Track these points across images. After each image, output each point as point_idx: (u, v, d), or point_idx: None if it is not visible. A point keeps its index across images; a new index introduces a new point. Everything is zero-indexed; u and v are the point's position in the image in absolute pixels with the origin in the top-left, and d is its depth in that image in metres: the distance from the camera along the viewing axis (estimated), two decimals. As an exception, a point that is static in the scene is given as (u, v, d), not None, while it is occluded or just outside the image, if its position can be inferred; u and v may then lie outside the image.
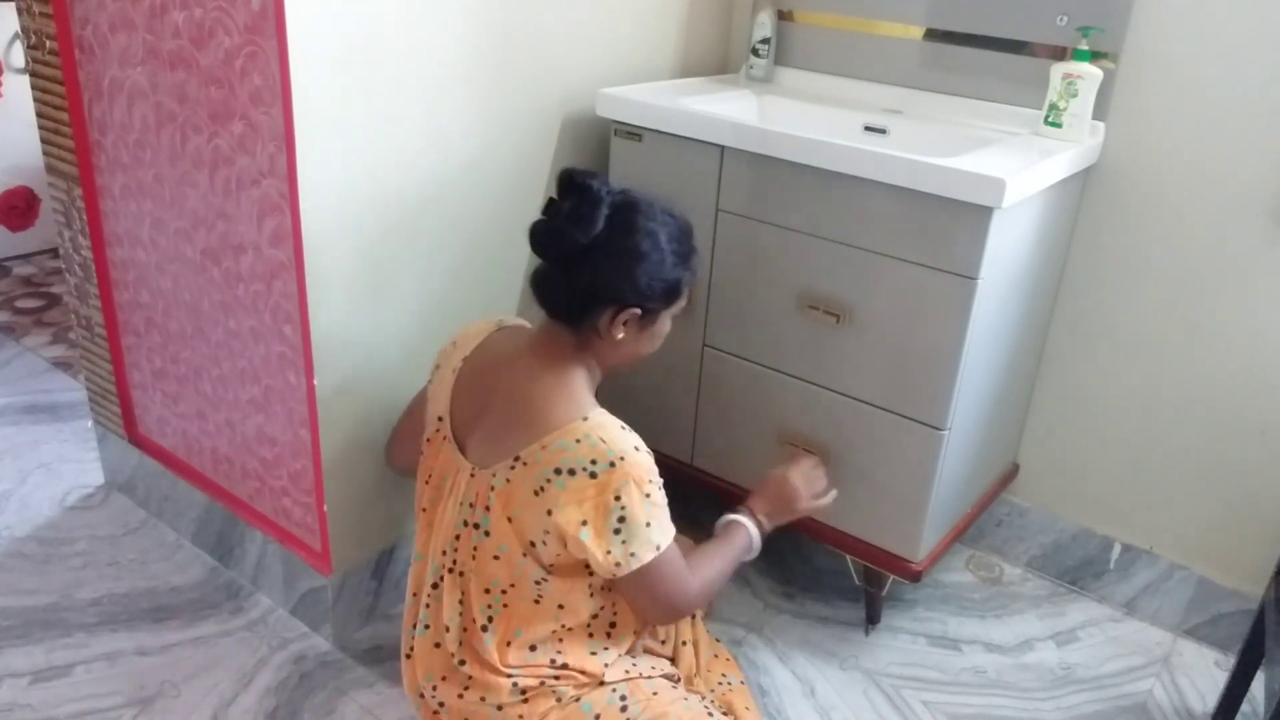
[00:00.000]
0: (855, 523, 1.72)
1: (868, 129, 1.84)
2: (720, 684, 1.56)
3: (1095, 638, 1.90)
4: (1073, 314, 1.89)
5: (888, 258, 1.54)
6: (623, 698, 1.32)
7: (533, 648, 1.32)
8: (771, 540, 2.09)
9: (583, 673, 1.33)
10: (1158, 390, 1.85)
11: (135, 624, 1.76)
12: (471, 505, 1.31)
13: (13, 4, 1.76)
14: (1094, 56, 1.69)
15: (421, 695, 1.38)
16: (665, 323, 1.37)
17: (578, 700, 1.31)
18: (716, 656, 1.64)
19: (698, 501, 2.17)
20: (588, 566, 1.28)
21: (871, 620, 1.87)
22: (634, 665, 1.39)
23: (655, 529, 1.26)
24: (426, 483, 1.41)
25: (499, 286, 1.81)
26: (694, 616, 1.60)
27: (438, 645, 1.35)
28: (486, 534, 1.29)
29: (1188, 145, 1.70)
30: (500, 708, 1.31)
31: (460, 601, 1.33)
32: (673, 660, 1.53)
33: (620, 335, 1.31)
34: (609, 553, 1.23)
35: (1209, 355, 1.78)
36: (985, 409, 1.73)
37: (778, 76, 2.08)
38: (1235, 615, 1.86)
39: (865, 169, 1.51)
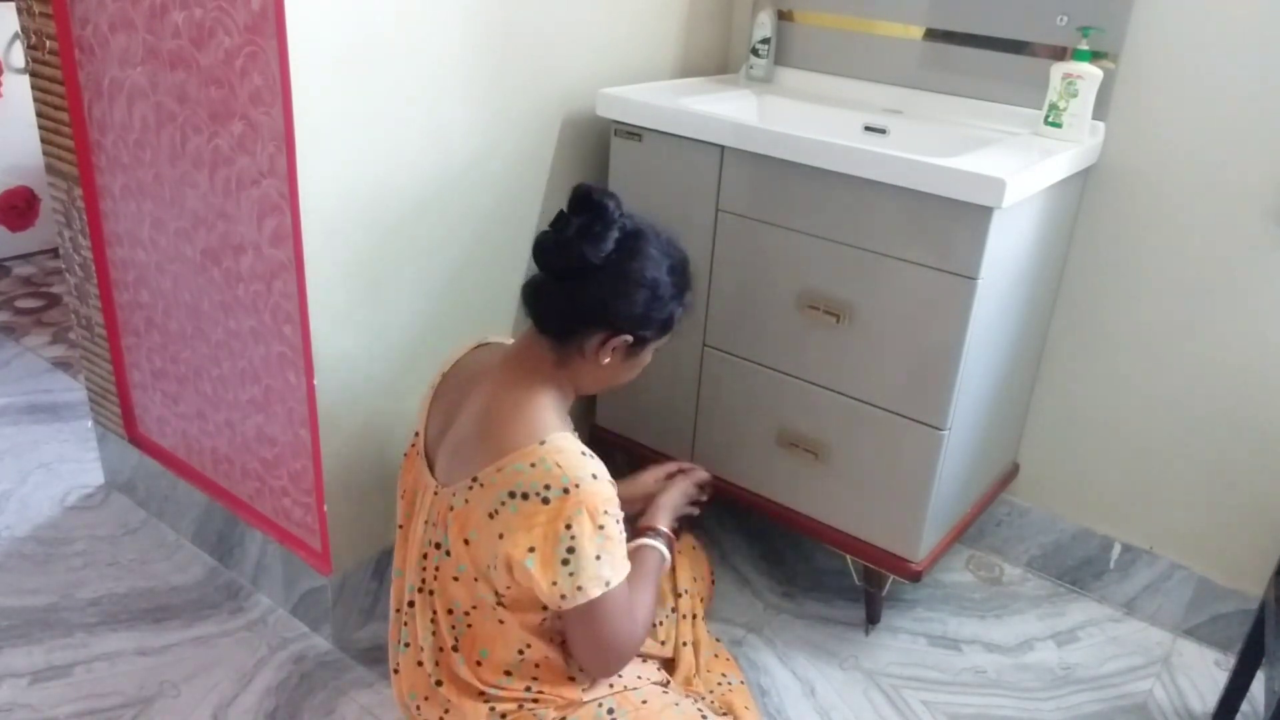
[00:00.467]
0: (855, 523, 1.72)
1: (868, 129, 1.84)
2: (720, 684, 1.56)
3: (1095, 638, 1.90)
4: (1073, 314, 1.90)
5: (888, 258, 1.54)
6: (610, 711, 1.30)
7: (507, 673, 1.28)
8: (771, 540, 2.11)
9: (560, 697, 1.30)
10: (1158, 390, 1.85)
11: (135, 624, 1.76)
12: (434, 524, 1.30)
13: (13, 4, 1.76)
14: (1094, 56, 1.69)
15: (409, 711, 1.37)
16: (649, 354, 1.35)
17: (564, 718, 1.30)
18: (716, 656, 1.64)
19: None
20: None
21: (871, 620, 1.87)
22: (619, 678, 1.36)
23: (605, 563, 1.19)
24: (402, 497, 1.40)
25: (499, 286, 1.81)
26: (695, 616, 1.59)
27: (419, 664, 1.33)
28: (447, 554, 1.27)
29: (1188, 145, 1.70)
30: None
31: (431, 621, 1.31)
32: (672, 661, 1.53)
33: (606, 360, 1.28)
34: (554, 584, 1.17)
35: (1209, 355, 1.78)
36: (985, 409, 1.73)
37: (778, 76, 2.08)
38: (1235, 615, 1.86)
39: (865, 169, 1.51)
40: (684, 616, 1.58)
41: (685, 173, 1.74)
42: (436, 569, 1.29)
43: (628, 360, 1.33)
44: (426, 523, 1.31)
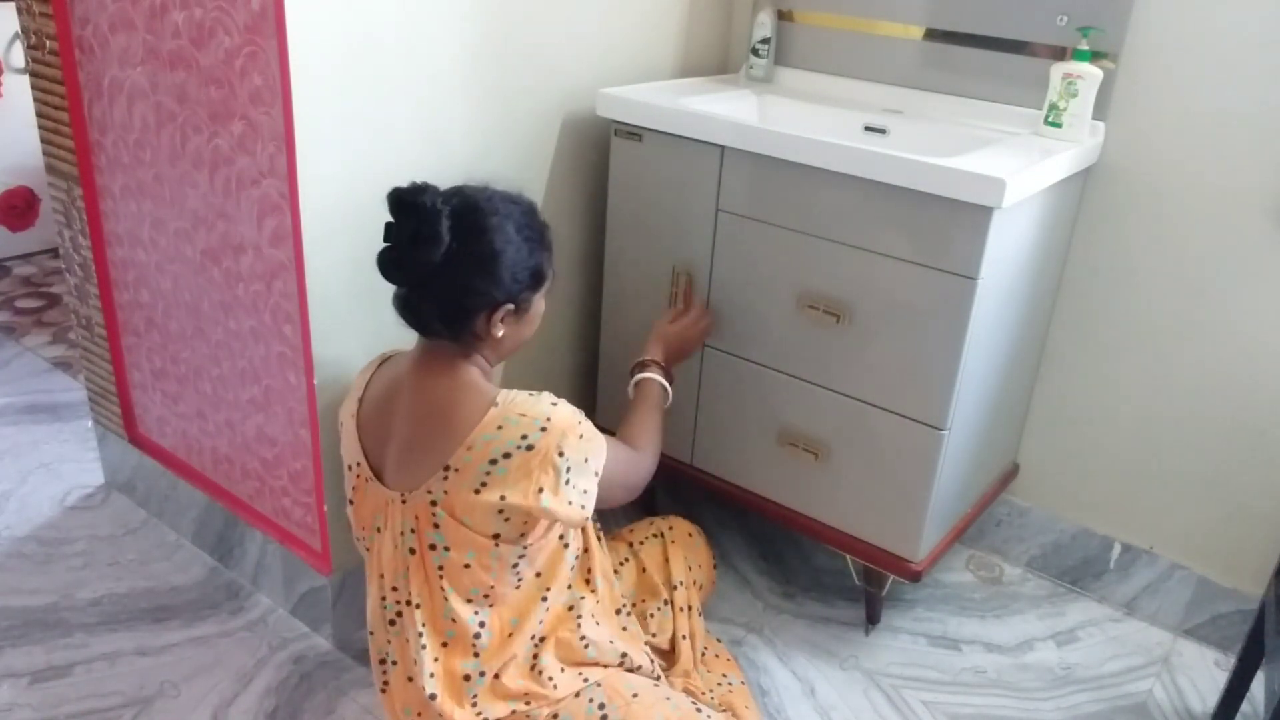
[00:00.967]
0: (855, 523, 1.72)
1: (868, 129, 1.84)
2: (720, 684, 1.56)
3: (1095, 638, 1.90)
4: (1073, 314, 1.90)
5: (887, 258, 1.54)
6: (600, 706, 1.30)
7: (536, 638, 1.33)
8: (771, 540, 2.11)
9: (569, 659, 1.33)
10: (1157, 390, 1.85)
11: (135, 624, 1.76)
12: (413, 530, 1.29)
13: (13, 4, 1.76)
14: (1094, 56, 1.69)
15: None
16: (539, 304, 1.37)
17: (555, 716, 1.30)
18: (717, 656, 1.65)
19: (698, 501, 2.17)
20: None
21: (871, 620, 1.87)
22: (615, 645, 1.39)
23: (593, 458, 1.29)
24: (363, 528, 1.39)
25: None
26: (689, 608, 1.60)
27: (410, 679, 1.32)
28: (446, 549, 1.27)
29: (1187, 145, 1.70)
30: None
31: (420, 635, 1.30)
32: (671, 651, 1.53)
33: (500, 333, 1.30)
34: (570, 503, 1.26)
35: (1209, 355, 1.78)
36: (985, 409, 1.73)
37: (778, 76, 2.08)
38: (1235, 615, 1.86)
39: (865, 169, 1.51)
40: (680, 609, 1.58)
41: (685, 173, 1.74)
42: (440, 569, 1.28)
43: (521, 321, 1.35)
44: (403, 534, 1.30)
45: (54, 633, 1.72)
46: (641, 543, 1.63)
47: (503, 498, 1.23)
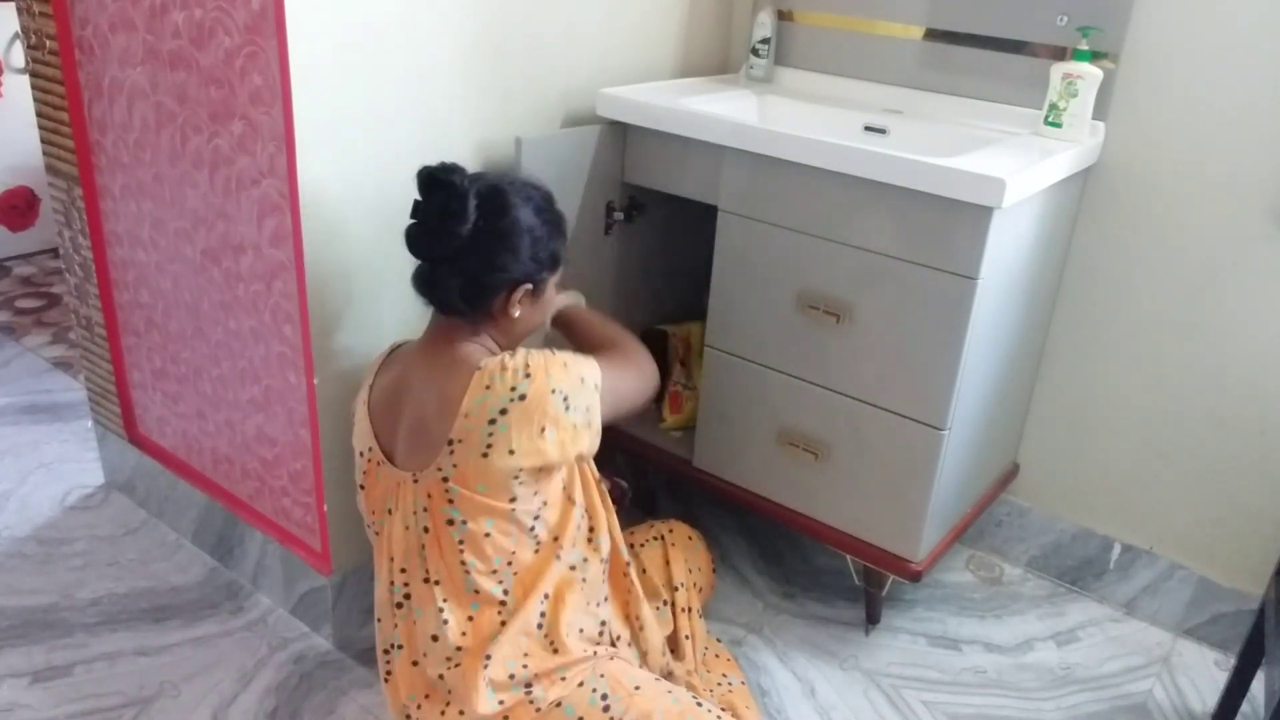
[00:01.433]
0: (855, 523, 1.72)
1: (868, 129, 1.84)
2: (721, 685, 1.57)
3: (1095, 638, 1.90)
4: (1073, 314, 1.90)
5: (887, 258, 1.54)
6: (604, 697, 1.31)
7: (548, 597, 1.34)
8: (771, 540, 2.11)
9: (551, 673, 1.32)
10: (1157, 390, 1.85)
11: (135, 624, 1.76)
12: (425, 509, 1.31)
13: (13, 4, 1.76)
14: (1094, 56, 1.69)
15: (407, 716, 1.36)
16: (552, 290, 1.41)
17: (559, 705, 1.30)
18: (717, 657, 1.65)
19: (698, 501, 2.17)
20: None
21: (871, 620, 1.87)
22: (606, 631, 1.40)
23: (588, 375, 1.32)
24: (374, 514, 1.40)
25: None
26: (690, 609, 1.60)
27: (415, 664, 1.33)
28: (465, 523, 1.29)
29: (1187, 145, 1.70)
30: None
31: (440, 610, 1.31)
32: (674, 650, 1.53)
33: (517, 313, 1.34)
34: (574, 426, 1.28)
35: (1209, 355, 1.78)
36: (985, 409, 1.73)
37: (778, 76, 2.08)
38: (1235, 615, 1.86)
39: (865, 169, 1.51)
40: (681, 610, 1.58)
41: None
42: (461, 543, 1.29)
43: (535, 304, 1.38)
44: (415, 513, 1.32)
45: (54, 633, 1.72)
46: (642, 545, 1.63)
47: (510, 453, 1.25)
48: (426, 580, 1.32)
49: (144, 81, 1.57)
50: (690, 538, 1.70)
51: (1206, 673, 1.83)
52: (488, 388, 1.25)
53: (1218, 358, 1.77)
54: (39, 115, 1.81)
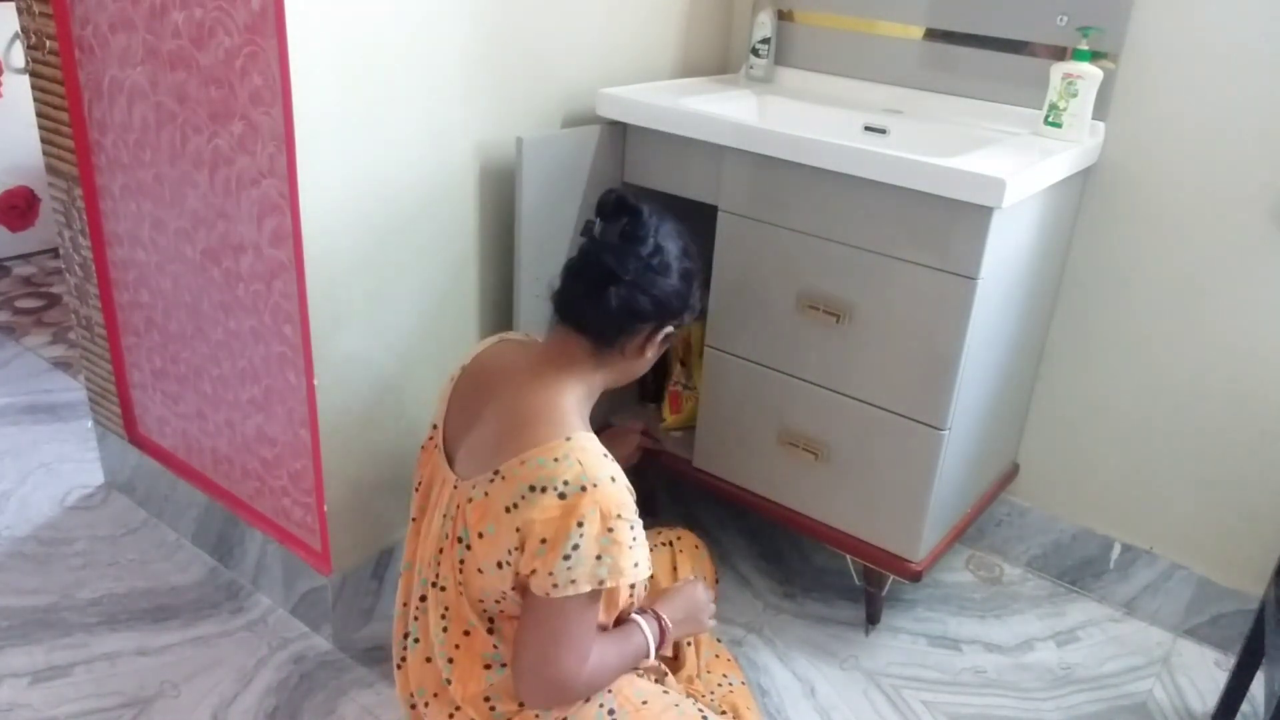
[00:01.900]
0: (855, 523, 1.72)
1: (868, 129, 1.84)
2: (721, 685, 1.56)
3: (1095, 638, 1.91)
4: (1073, 314, 1.90)
5: (887, 258, 1.54)
6: (610, 712, 1.30)
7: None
8: (771, 540, 2.10)
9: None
10: (1158, 390, 1.85)
11: (135, 624, 1.76)
12: (452, 518, 1.29)
13: (13, 4, 1.76)
14: (1094, 56, 1.69)
15: (413, 706, 1.36)
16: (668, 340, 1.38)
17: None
18: (718, 657, 1.64)
19: (698, 501, 2.18)
20: None
21: (871, 620, 1.87)
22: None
23: (604, 565, 1.17)
24: (418, 489, 1.39)
25: (498, 287, 1.80)
26: None
27: (429, 660, 1.32)
28: (468, 547, 1.26)
29: (1188, 145, 1.70)
30: None
31: (442, 617, 1.29)
32: (675, 658, 1.53)
33: (650, 354, 1.33)
34: (551, 573, 1.17)
35: (1209, 355, 1.78)
36: (985, 409, 1.73)
37: (778, 76, 2.08)
38: (1235, 615, 1.86)
39: (865, 169, 1.51)
40: None
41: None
42: (461, 563, 1.28)
43: (658, 350, 1.36)
44: (445, 516, 1.30)
45: (54, 633, 1.73)
46: (650, 550, 1.62)
47: (517, 529, 1.19)
48: (435, 584, 1.31)
49: (144, 81, 1.57)
50: (697, 546, 1.70)
51: (1206, 673, 1.83)
52: (555, 460, 1.18)
53: (1218, 357, 1.77)
54: (39, 115, 1.81)
